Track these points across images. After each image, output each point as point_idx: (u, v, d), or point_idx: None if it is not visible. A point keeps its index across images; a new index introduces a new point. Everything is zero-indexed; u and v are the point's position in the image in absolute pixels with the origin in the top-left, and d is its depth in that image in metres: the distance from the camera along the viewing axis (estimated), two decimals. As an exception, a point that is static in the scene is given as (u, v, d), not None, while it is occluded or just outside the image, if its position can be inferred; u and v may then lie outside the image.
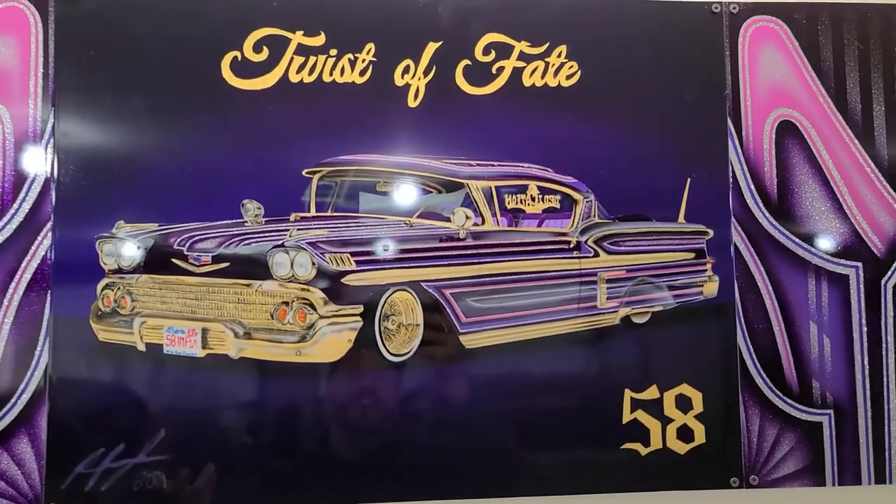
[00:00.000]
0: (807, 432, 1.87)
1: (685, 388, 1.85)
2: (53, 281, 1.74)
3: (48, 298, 1.73)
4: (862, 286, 1.90)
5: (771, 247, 1.90)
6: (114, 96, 1.79)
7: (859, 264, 1.91)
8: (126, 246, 1.76)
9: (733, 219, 1.89)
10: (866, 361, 1.89)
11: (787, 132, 1.93)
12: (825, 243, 1.91)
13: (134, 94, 1.79)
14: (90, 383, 1.73)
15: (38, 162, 1.76)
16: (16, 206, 1.75)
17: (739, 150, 1.91)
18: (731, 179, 1.90)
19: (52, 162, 1.76)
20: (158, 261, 1.77)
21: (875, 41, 1.96)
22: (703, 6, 1.94)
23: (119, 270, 1.77)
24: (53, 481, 1.70)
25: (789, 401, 1.87)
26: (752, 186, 1.91)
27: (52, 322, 1.73)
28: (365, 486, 1.76)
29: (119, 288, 1.77)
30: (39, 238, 1.75)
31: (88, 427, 1.72)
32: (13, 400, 1.71)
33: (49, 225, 1.75)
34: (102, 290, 1.76)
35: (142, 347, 1.74)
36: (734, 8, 1.95)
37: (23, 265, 1.74)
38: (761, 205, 1.90)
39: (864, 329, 1.89)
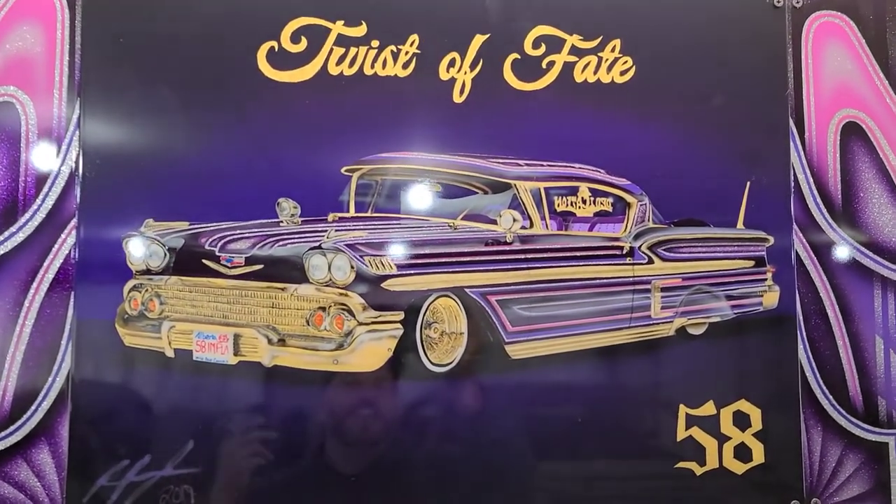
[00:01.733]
0: (872, 453, 1.76)
1: (743, 405, 1.74)
2: (77, 281, 1.64)
3: (71, 300, 1.64)
4: (931, 298, 1.80)
5: (835, 256, 1.79)
6: (143, 87, 1.69)
7: (928, 275, 1.81)
8: (154, 246, 1.67)
9: (795, 225, 1.79)
10: (935, 379, 1.78)
11: (853, 134, 1.83)
12: (892, 252, 1.80)
13: (164, 85, 1.69)
14: (115, 391, 1.64)
15: (62, 155, 1.67)
16: (38, 201, 1.66)
17: (802, 153, 1.80)
18: (792, 183, 1.79)
19: (78, 156, 1.66)
20: (188, 262, 1.67)
21: (946, 39, 1.86)
22: (764, 0, 1.84)
23: (147, 271, 1.67)
24: (74, 494, 1.60)
25: (853, 419, 1.76)
26: (815, 191, 1.80)
27: (76, 325, 1.63)
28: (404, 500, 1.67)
29: (147, 290, 1.67)
30: (63, 236, 1.65)
31: (112, 437, 1.62)
32: (33, 407, 1.61)
33: (73, 222, 1.65)
34: (129, 291, 1.66)
35: (170, 353, 1.64)
36: (797, 2, 1.84)
37: (45, 264, 1.64)
38: (825, 211, 1.80)
39: (933, 344, 1.79)
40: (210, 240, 1.67)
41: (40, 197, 1.66)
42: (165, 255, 1.67)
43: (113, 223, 1.66)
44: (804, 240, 1.79)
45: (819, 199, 1.80)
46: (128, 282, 1.66)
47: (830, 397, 1.76)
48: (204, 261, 1.67)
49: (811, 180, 1.80)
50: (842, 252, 1.79)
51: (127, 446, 1.62)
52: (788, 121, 1.81)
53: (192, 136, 1.69)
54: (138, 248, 1.66)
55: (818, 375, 1.76)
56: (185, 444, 1.62)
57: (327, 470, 1.65)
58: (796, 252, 1.78)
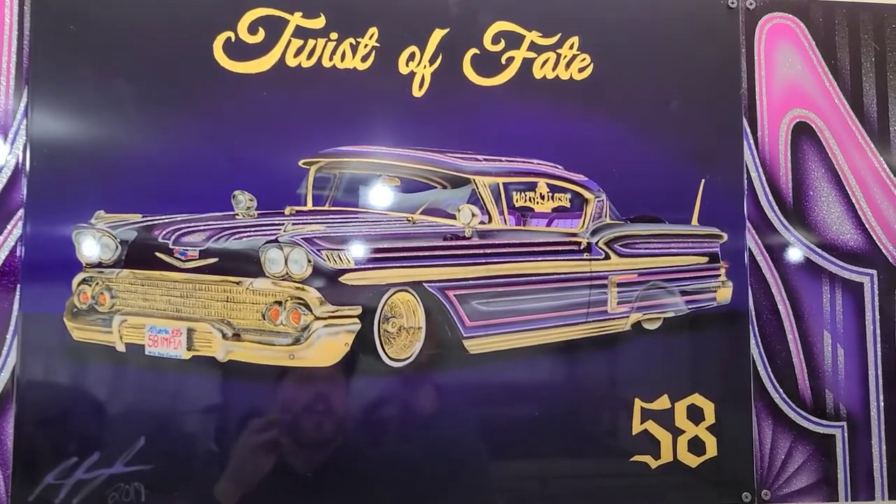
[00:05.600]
0: (820, 445, 1.80)
1: (697, 399, 1.77)
2: (23, 274, 1.60)
3: (17, 294, 1.59)
4: (876, 294, 1.85)
5: (786, 253, 1.83)
6: (95, 76, 1.65)
7: (874, 272, 1.86)
8: (105, 238, 1.63)
9: (748, 222, 1.82)
10: (880, 372, 1.83)
11: (803, 133, 1.87)
12: (840, 250, 1.85)
13: (117, 73, 1.65)
14: (63, 386, 1.59)
15: (8, 146, 1.62)
16: (-17, 192, 1.61)
17: (755, 152, 1.84)
18: (745, 181, 1.83)
19: (25, 146, 1.62)
20: (141, 255, 1.63)
21: (891, 42, 1.91)
22: (719, 1, 1.87)
23: (98, 264, 1.63)
24: (20, 492, 1.55)
25: (802, 412, 1.80)
26: (768, 189, 1.84)
27: (21, 319, 1.58)
28: (362, 499, 1.65)
29: (97, 283, 1.63)
30: (9, 227, 1.61)
31: (60, 434, 1.58)
32: (-24, 404, 1.57)
33: (20, 214, 1.61)
34: (79, 284, 1.62)
35: (121, 348, 1.60)
36: (751, 4, 1.88)
37: (-10, 257, 1.60)
38: (776, 209, 1.84)
39: (879, 339, 1.84)
40: (163, 232, 1.63)
41: (-15, 187, 1.61)
42: (117, 247, 1.63)
43: (61, 215, 1.62)
44: (756, 237, 1.82)
45: (771, 197, 1.84)
46: (77, 275, 1.62)
47: (781, 391, 1.80)
48: (157, 253, 1.63)
49: (763, 178, 1.84)
50: (792, 249, 1.83)
51: (75, 443, 1.58)
52: (742, 120, 1.84)
53: (144, 127, 1.65)
54: (88, 240, 1.62)
55: (769, 369, 1.79)
56: (135, 440, 1.58)
57: (282, 467, 1.63)
58: (749, 249, 1.82)
